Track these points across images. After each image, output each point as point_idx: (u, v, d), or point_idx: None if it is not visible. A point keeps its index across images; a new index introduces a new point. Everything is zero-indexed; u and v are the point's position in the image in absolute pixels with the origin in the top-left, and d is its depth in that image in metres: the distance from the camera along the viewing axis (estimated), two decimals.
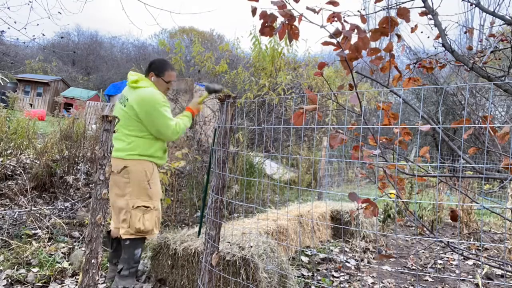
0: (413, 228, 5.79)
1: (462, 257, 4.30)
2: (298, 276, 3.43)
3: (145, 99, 2.76)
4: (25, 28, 5.11)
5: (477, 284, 3.54)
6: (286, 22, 1.59)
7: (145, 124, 2.78)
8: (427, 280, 3.72)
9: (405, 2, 2.78)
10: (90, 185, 5.43)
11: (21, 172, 5.34)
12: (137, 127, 2.79)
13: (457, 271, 4.02)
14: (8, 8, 5.12)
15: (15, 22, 5.15)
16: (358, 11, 2.46)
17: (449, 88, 12.00)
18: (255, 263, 2.60)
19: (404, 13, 1.63)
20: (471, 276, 3.90)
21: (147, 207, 2.80)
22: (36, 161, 5.65)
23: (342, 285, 3.38)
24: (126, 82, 3.01)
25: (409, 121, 15.28)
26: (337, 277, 3.58)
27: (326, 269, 3.76)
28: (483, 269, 4.02)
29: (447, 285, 3.59)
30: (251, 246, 2.75)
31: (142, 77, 2.92)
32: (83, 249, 3.45)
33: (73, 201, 4.98)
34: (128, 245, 2.82)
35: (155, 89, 2.87)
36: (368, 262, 4.14)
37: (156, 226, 2.89)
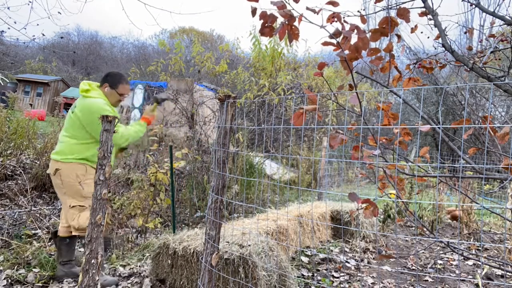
0: (413, 228, 5.79)
1: (462, 257, 4.30)
2: (298, 276, 3.43)
3: (91, 108, 2.91)
4: (25, 28, 5.11)
5: (477, 284, 3.54)
6: (286, 22, 1.59)
7: (89, 131, 2.96)
8: (427, 280, 3.72)
9: (405, 2, 2.78)
10: None
11: (21, 172, 5.34)
12: (80, 133, 2.97)
13: (457, 271, 4.02)
14: (8, 8, 5.12)
15: (15, 22, 5.15)
16: (358, 11, 2.47)
17: (449, 89, 12.00)
18: (253, 261, 2.60)
19: (404, 14, 1.63)
20: (471, 276, 3.90)
21: (82, 206, 2.99)
22: (36, 161, 5.65)
23: (342, 285, 3.38)
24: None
25: (409, 121, 15.28)
26: (337, 277, 3.58)
27: (326, 269, 3.76)
28: (483, 269, 4.02)
29: (447, 285, 3.60)
30: (249, 245, 2.75)
31: (95, 88, 3.08)
32: (83, 249, 3.45)
33: None
34: (67, 243, 3.10)
35: (104, 100, 3.03)
36: (368, 262, 4.14)
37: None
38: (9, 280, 2.98)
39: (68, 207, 3.00)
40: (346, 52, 1.60)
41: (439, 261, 4.32)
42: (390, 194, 3.04)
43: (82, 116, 2.93)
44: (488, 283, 3.66)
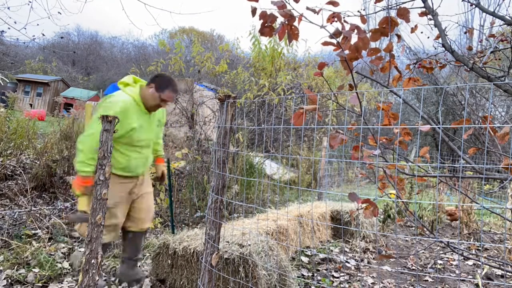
0: (413, 228, 5.79)
1: (462, 257, 4.30)
2: (298, 276, 3.43)
3: (101, 103, 2.73)
4: (25, 28, 5.10)
5: (477, 284, 3.54)
6: (286, 22, 1.59)
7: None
8: (427, 280, 3.72)
9: (405, 2, 2.78)
10: None
11: (21, 172, 5.34)
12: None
13: (457, 271, 4.02)
14: (8, 8, 5.12)
15: (15, 22, 5.15)
16: (358, 11, 2.47)
17: (449, 89, 12.01)
18: (253, 260, 2.60)
19: (404, 13, 1.63)
20: (471, 276, 3.90)
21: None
22: (36, 161, 5.65)
23: (342, 285, 3.38)
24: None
25: (409, 121, 15.28)
26: (337, 277, 3.58)
27: (326, 269, 3.76)
28: (483, 269, 4.02)
29: (447, 285, 3.59)
30: (249, 245, 2.75)
31: (134, 85, 2.82)
32: (83, 249, 3.45)
33: (73, 201, 4.97)
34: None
35: (129, 101, 2.71)
36: (368, 262, 4.14)
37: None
38: (9, 280, 2.98)
39: None
40: (346, 52, 1.60)
41: (439, 261, 4.32)
42: (390, 194, 3.04)
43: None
44: (488, 283, 3.66)
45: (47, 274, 3.10)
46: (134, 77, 2.89)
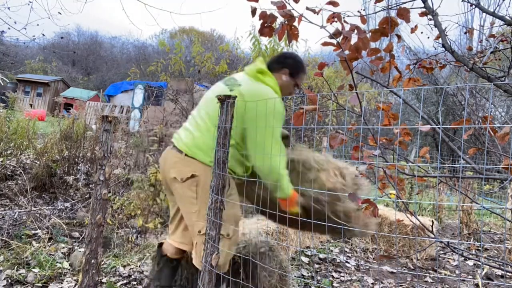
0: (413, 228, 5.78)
1: (462, 258, 4.30)
2: (298, 276, 3.43)
3: (268, 100, 1.93)
4: (25, 28, 5.10)
5: (477, 285, 3.54)
6: (286, 22, 1.60)
7: (246, 131, 2.08)
8: (427, 280, 3.72)
9: (405, 3, 2.78)
10: (90, 186, 5.43)
11: (21, 172, 5.34)
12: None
13: (457, 271, 4.02)
14: (8, 8, 5.12)
15: (15, 22, 5.15)
16: (358, 11, 2.46)
17: (449, 89, 12.01)
18: (253, 261, 2.60)
19: (404, 14, 1.63)
20: (471, 277, 3.90)
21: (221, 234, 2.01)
22: (36, 161, 5.64)
23: (342, 285, 3.38)
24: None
25: (409, 122, 15.27)
26: (337, 277, 3.58)
27: (326, 269, 3.76)
28: (483, 269, 4.02)
29: (447, 286, 3.59)
30: (249, 245, 2.75)
31: (270, 74, 2.16)
32: (83, 249, 3.45)
33: (73, 202, 4.98)
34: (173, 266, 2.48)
35: (277, 95, 2.12)
36: (368, 262, 4.14)
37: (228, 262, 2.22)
38: (9, 280, 2.98)
39: (196, 233, 2.13)
40: (346, 52, 1.60)
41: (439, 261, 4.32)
42: (390, 194, 3.04)
43: (251, 105, 1.99)
44: (488, 283, 3.66)
45: (47, 274, 3.10)
46: (263, 64, 2.23)
